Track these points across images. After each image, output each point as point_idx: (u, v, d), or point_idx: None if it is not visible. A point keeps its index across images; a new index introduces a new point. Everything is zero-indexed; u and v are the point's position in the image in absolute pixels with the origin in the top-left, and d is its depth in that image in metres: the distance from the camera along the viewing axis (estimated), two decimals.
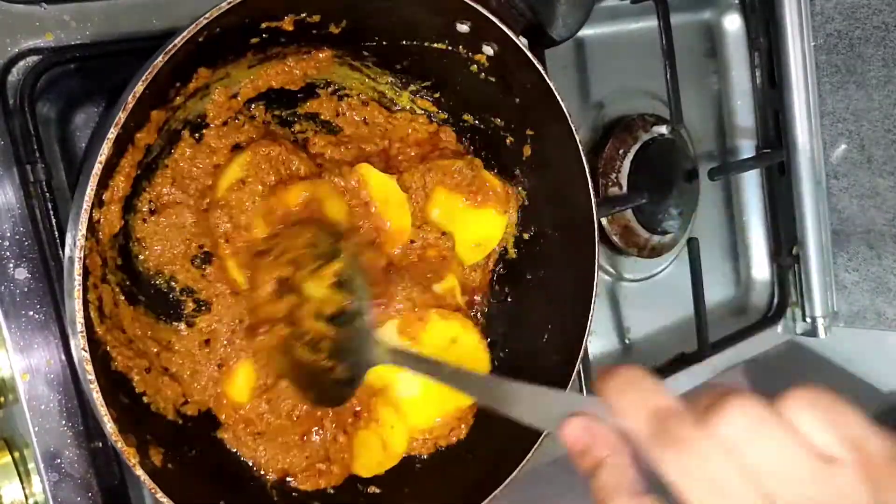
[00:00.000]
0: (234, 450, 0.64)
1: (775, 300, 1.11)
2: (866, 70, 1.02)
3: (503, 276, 0.77)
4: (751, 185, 1.11)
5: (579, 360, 0.68)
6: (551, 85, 0.63)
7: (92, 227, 0.53)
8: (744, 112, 1.09)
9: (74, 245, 0.49)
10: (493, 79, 0.68)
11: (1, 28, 0.57)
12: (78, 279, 0.49)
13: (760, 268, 1.13)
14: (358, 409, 0.68)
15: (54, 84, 0.60)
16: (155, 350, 0.62)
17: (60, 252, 0.58)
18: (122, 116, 0.49)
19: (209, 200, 0.63)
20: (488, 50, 0.65)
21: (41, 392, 0.58)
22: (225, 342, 0.64)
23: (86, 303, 0.51)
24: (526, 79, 0.65)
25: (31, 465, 0.60)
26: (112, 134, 0.49)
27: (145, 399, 0.59)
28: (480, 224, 0.73)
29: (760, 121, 1.07)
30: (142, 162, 0.59)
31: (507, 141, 0.72)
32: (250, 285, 0.64)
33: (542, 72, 0.63)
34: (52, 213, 0.57)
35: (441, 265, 0.71)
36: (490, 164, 0.74)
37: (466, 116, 0.73)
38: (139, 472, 0.52)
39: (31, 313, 0.58)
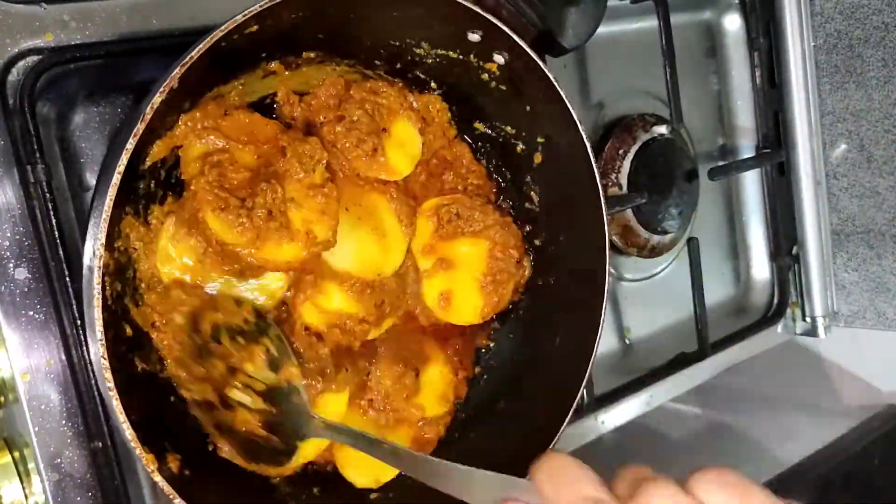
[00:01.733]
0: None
1: (775, 300, 1.11)
2: (866, 70, 1.02)
3: None
4: (751, 185, 1.11)
5: (591, 362, 0.67)
6: (562, 93, 0.63)
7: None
8: (744, 112, 1.09)
9: (94, 255, 0.49)
10: (503, 87, 0.68)
11: (1, 28, 0.57)
12: (97, 287, 0.49)
13: (760, 268, 1.13)
14: None
15: (54, 84, 0.60)
16: None
17: (61, 252, 0.58)
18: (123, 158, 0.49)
19: None
20: (499, 59, 0.65)
21: (41, 392, 0.58)
22: None
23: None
24: (537, 87, 0.65)
25: (31, 465, 0.59)
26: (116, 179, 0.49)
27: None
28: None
29: (760, 121, 1.07)
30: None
31: (518, 149, 0.72)
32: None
33: (553, 81, 0.63)
34: (52, 213, 0.57)
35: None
36: (501, 171, 0.75)
37: (478, 125, 0.73)
38: (157, 478, 0.52)
39: (31, 313, 0.58)
